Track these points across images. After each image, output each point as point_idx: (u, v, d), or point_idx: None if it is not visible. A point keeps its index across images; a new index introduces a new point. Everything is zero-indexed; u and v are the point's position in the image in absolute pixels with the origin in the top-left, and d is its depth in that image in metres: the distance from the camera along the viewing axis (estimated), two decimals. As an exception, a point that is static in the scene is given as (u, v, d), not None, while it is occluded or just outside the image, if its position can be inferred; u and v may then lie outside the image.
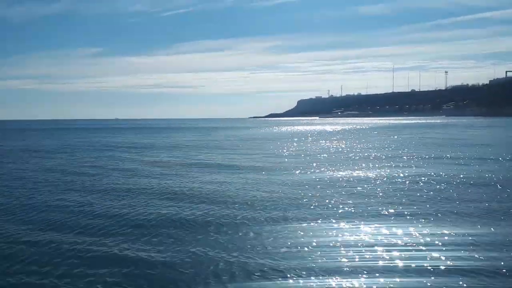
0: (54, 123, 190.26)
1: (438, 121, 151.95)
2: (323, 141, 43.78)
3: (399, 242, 8.47)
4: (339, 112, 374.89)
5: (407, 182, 15.69)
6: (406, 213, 10.87)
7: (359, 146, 35.97)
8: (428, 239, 8.62)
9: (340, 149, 32.55)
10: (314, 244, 8.41)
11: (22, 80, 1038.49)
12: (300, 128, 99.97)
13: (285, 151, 32.03)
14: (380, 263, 7.37)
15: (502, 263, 7.18)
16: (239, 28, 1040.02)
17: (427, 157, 24.77)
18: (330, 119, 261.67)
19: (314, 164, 22.16)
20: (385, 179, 16.75)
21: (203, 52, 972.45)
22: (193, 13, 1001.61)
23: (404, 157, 24.92)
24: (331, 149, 32.82)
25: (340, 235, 9.05)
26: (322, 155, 27.73)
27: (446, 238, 8.69)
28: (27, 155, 30.44)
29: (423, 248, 8.09)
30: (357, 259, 7.54)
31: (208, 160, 25.18)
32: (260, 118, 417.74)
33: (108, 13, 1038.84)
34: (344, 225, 9.83)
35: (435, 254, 7.69)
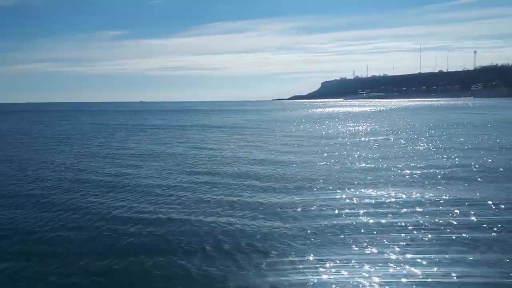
0: (87, 106, 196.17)
1: (473, 102, 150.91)
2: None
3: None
4: (364, 93, 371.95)
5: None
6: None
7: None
8: None
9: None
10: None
11: (45, 63, 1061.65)
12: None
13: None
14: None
15: None
16: (259, 9, 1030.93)
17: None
18: (356, 101, 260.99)
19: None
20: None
21: (223, 34, 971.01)
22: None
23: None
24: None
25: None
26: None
27: None
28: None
29: None
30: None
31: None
32: (283, 101, 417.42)
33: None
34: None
35: None
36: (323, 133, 33.99)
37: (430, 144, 23.96)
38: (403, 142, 25.61)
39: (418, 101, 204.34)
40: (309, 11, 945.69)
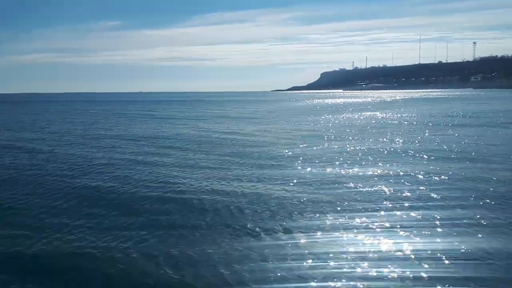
0: (85, 96, 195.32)
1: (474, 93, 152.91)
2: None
3: None
4: (364, 84, 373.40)
5: None
6: None
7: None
8: None
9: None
10: None
11: (43, 53, 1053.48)
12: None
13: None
14: None
15: None
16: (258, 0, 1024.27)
17: None
18: (357, 92, 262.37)
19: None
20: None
21: (221, 24, 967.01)
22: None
23: None
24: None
25: None
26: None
27: None
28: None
29: None
30: None
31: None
32: (283, 91, 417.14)
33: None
34: None
35: None
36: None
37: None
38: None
39: (420, 92, 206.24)
40: (308, 1, 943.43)
